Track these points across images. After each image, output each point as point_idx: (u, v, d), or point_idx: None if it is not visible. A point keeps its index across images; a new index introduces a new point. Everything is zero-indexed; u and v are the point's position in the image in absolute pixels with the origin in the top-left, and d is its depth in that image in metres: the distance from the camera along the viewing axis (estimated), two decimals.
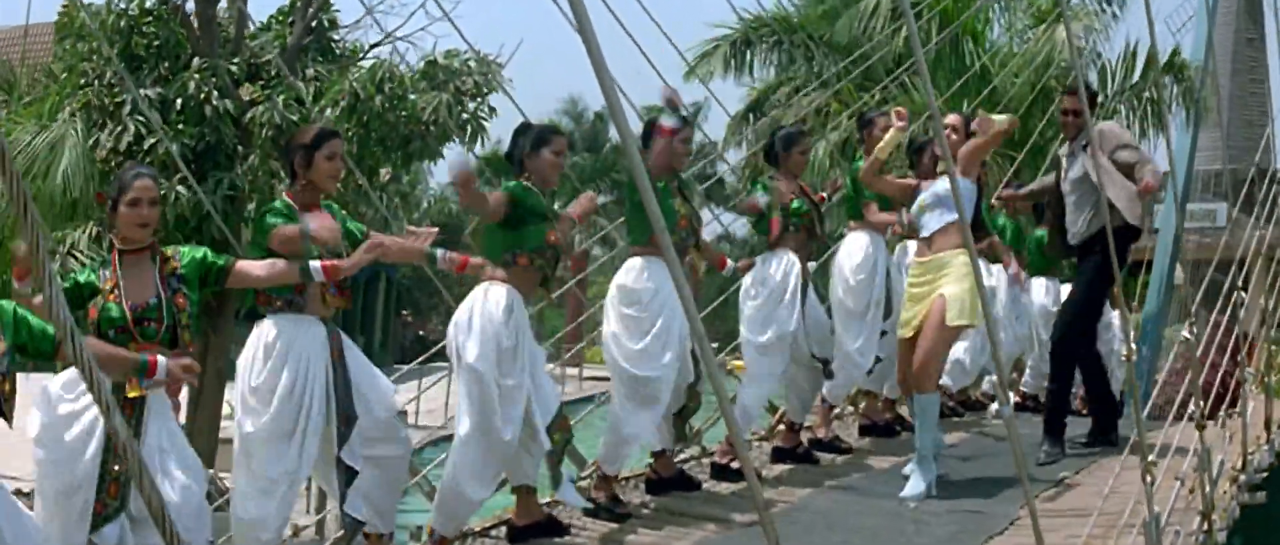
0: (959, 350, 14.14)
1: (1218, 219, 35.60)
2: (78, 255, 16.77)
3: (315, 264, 7.74)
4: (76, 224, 15.99)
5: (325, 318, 8.11)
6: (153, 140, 17.47)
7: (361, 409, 8.14)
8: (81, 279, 7.36)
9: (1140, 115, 26.94)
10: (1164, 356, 26.83)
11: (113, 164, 17.26)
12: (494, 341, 8.60)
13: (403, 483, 8.89)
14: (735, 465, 11.39)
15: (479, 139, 18.98)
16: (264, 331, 8.04)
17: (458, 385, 8.90)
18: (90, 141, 16.92)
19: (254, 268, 7.77)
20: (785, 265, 11.43)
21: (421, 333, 63.43)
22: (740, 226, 24.92)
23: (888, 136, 10.58)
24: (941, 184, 10.41)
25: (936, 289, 10.31)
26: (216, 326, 18.65)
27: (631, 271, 10.05)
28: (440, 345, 9.67)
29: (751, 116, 32.04)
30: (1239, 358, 13.16)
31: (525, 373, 8.74)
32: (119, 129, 17.52)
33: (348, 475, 8.05)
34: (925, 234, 10.57)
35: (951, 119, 10.97)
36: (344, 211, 8.62)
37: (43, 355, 6.94)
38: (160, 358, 7.13)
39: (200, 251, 7.69)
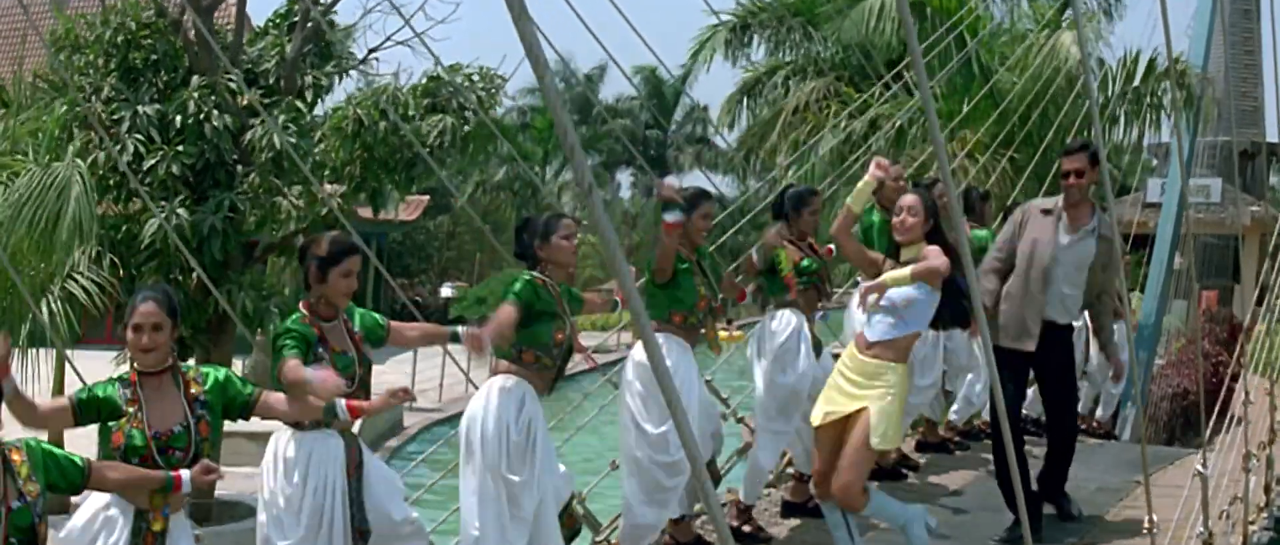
0: (966, 385, 14.36)
1: (1212, 194, 35.63)
2: (78, 277, 16.61)
3: (341, 403, 7.60)
4: (87, 239, 15.83)
5: (344, 430, 8.08)
6: (152, 159, 17.28)
7: (375, 519, 8.17)
8: (100, 393, 7.19)
9: (1140, 118, 26.93)
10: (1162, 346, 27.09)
11: (111, 182, 17.14)
12: (504, 439, 8.59)
13: None
14: (747, 529, 11.37)
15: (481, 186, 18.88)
16: (282, 446, 8.01)
17: (467, 481, 8.87)
18: (89, 159, 16.72)
19: (280, 404, 7.62)
20: (792, 322, 11.36)
21: (417, 299, 63.52)
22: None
23: (860, 185, 9.87)
24: (899, 292, 9.40)
25: (864, 397, 9.41)
26: (217, 342, 18.51)
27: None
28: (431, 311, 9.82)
29: (745, 99, 32.12)
30: (1235, 349, 13.01)
31: (536, 469, 8.68)
32: (118, 147, 17.34)
33: None
34: (871, 336, 9.53)
35: (908, 200, 9.77)
36: (360, 309, 8.52)
37: (73, 488, 6.91)
38: (183, 472, 7.03)
39: (221, 374, 7.55)
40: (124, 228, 17.76)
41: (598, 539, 11.00)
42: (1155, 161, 35.71)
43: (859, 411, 9.39)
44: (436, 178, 20.31)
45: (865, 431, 9.30)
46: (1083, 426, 18.23)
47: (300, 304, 8.22)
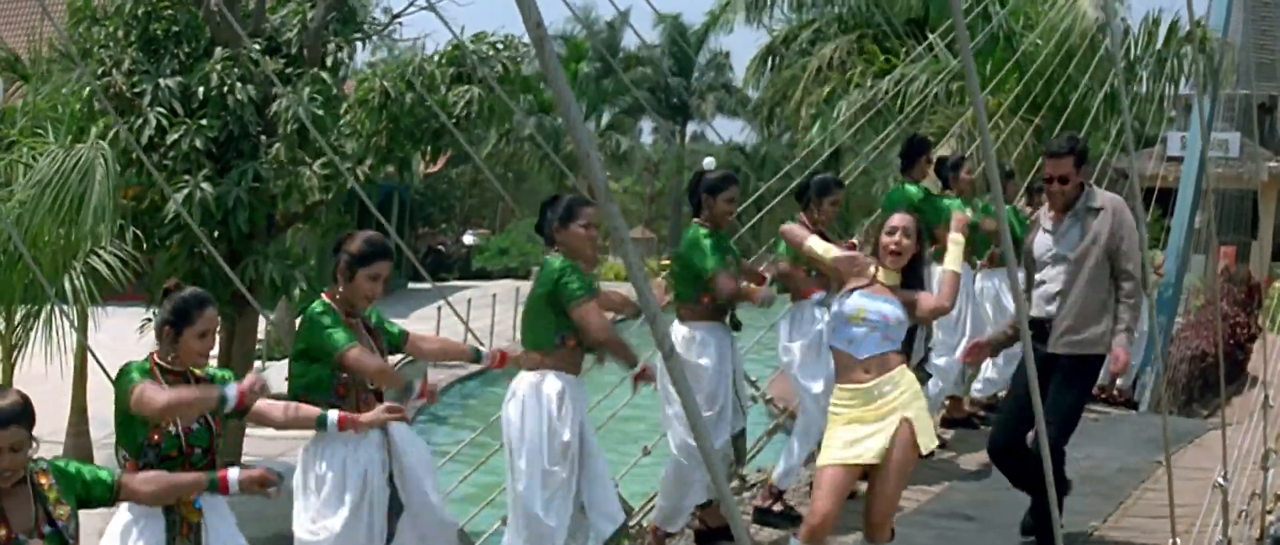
0: (989, 367, 14.38)
1: (1231, 149, 35.46)
2: (100, 252, 16.64)
3: (332, 416, 7.65)
4: (113, 220, 15.84)
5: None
6: (175, 133, 17.30)
7: (411, 496, 8.16)
8: (135, 377, 7.06)
9: (1160, 82, 26.82)
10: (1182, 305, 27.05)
11: (133, 156, 17.11)
12: (548, 438, 8.61)
13: None
14: (777, 508, 11.40)
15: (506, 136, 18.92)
16: (314, 456, 7.95)
17: (508, 476, 8.93)
18: (110, 133, 16.71)
19: (273, 411, 7.65)
20: (818, 314, 11.33)
21: (440, 246, 63.55)
22: None
23: (820, 251, 9.18)
24: (886, 305, 8.50)
25: (892, 409, 8.40)
26: (242, 313, 18.59)
27: (685, 345, 10.01)
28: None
29: (769, 59, 32.15)
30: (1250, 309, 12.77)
31: (575, 464, 8.72)
32: (139, 120, 17.35)
33: None
34: (864, 353, 8.44)
35: (902, 220, 8.72)
36: (378, 313, 8.51)
37: (103, 503, 6.85)
38: (230, 473, 7.02)
39: (222, 374, 7.54)
40: (147, 199, 17.76)
41: (630, 523, 11.04)
42: (1174, 113, 35.55)
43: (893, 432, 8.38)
44: (468, 138, 20.29)
45: (910, 444, 8.37)
46: (1101, 396, 18.24)
47: (324, 294, 8.14)
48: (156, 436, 7.05)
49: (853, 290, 8.56)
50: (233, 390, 7.30)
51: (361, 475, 7.90)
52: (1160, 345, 17.66)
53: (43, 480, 6.59)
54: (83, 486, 6.71)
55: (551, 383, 8.70)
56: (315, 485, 7.93)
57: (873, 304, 8.46)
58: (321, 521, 7.93)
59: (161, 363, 7.36)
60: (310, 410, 7.67)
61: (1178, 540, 8.03)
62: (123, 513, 7.13)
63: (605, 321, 8.74)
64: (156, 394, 7.09)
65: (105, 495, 6.79)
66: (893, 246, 8.53)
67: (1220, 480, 8.46)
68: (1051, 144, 10.00)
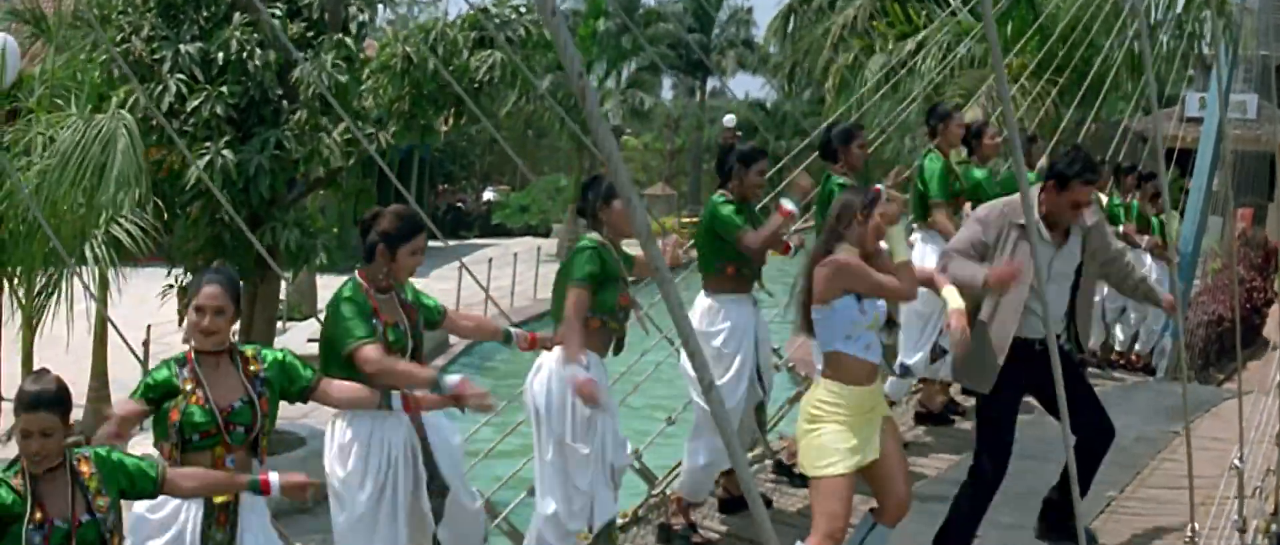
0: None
1: (1248, 111, 35.31)
2: (121, 220, 16.67)
3: (396, 397, 7.68)
4: (137, 190, 15.84)
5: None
6: (195, 100, 17.32)
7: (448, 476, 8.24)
8: (159, 378, 7.13)
9: (1181, 48, 26.75)
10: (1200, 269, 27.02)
11: (153, 123, 17.11)
12: (572, 412, 8.74)
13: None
14: (799, 469, 11.52)
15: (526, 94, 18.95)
16: (340, 432, 8.01)
17: (536, 447, 9.07)
18: (129, 100, 16.72)
19: (336, 391, 7.61)
20: None
21: (459, 204, 63.55)
22: None
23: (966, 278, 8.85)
24: (880, 303, 8.11)
25: (879, 413, 8.20)
26: (264, 279, 18.64)
27: (706, 315, 10.08)
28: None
29: (792, 15, 32.10)
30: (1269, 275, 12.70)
31: (601, 435, 8.86)
32: (159, 87, 17.35)
33: None
34: (875, 361, 8.11)
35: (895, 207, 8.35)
36: (413, 287, 8.51)
37: (146, 495, 6.89)
38: (272, 477, 6.99)
39: (282, 355, 7.51)
40: (166, 165, 17.79)
41: (653, 492, 11.12)
42: (1193, 73, 35.37)
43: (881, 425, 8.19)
44: (489, 104, 20.31)
45: (896, 431, 8.49)
46: (1120, 361, 18.27)
47: (357, 273, 8.11)
48: (176, 416, 7.04)
49: (857, 294, 7.99)
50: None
51: (383, 465, 7.93)
52: (1179, 311, 17.58)
53: (84, 468, 6.63)
54: (127, 479, 6.74)
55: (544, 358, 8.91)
56: (340, 456, 8.00)
57: (876, 305, 8.10)
58: (341, 510, 8.01)
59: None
60: (374, 392, 7.67)
61: (1196, 525, 8.06)
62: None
63: (579, 310, 8.74)
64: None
65: (149, 488, 6.81)
66: (885, 218, 8.13)
67: (1237, 462, 8.48)
68: (1080, 166, 9.00)
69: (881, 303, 8.09)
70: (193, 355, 7.19)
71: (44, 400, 6.45)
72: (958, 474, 10.04)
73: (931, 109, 13.55)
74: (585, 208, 9.09)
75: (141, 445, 7.72)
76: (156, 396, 7.10)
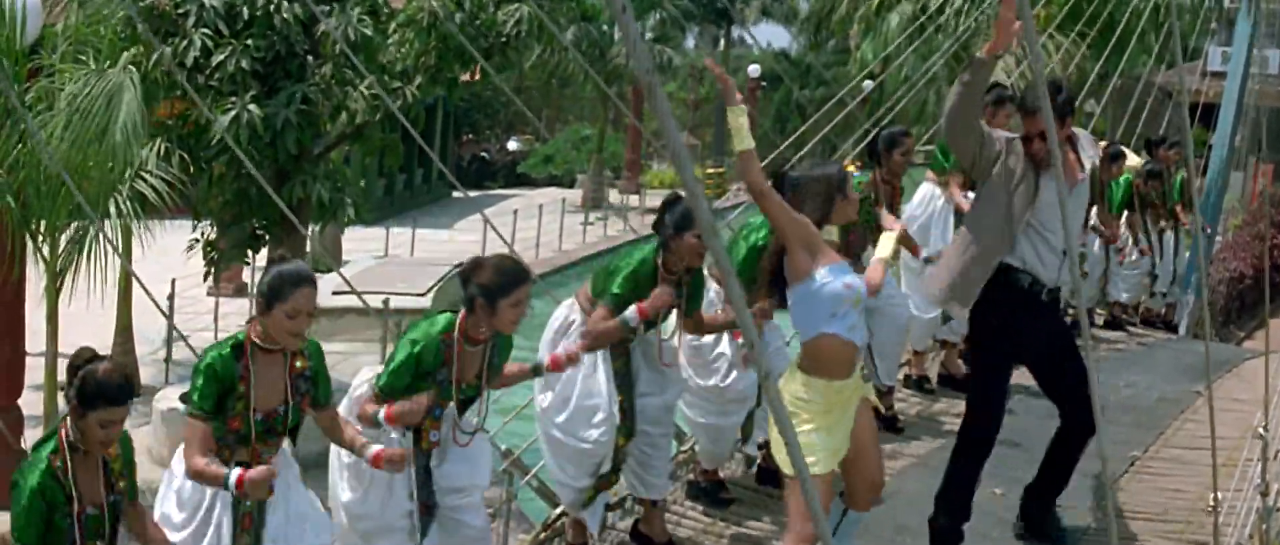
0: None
1: (1270, 66, 35.17)
2: (146, 175, 16.70)
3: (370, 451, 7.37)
4: (142, 142, 15.83)
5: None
6: (221, 54, 17.35)
7: (445, 494, 8.00)
8: (219, 371, 6.90)
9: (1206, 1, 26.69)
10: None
11: (174, 79, 16.99)
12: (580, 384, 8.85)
13: None
14: None
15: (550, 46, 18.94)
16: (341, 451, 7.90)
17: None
18: (154, 57, 16.74)
19: (338, 430, 7.47)
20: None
21: (483, 154, 63.68)
22: None
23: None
24: (860, 280, 7.56)
25: (857, 392, 7.61)
26: (289, 232, 18.67)
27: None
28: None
29: None
30: None
31: (571, 389, 8.88)
32: (184, 42, 17.38)
33: None
34: (859, 343, 7.45)
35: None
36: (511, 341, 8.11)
37: None
38: (246, 474, 6.77)
39: (322, 365, 7.32)
40: (192, 119, 17.83)
41: (681, 448, 11.11)
42: (1215, 26, 35.23)
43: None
44: (515, 56, 20.27)
45: (870, 411, 7.83)
46: (1128, 318, 18.18)
47: (458, 317, 7.65)
48: (237, 424, 6.95)
49: (835, 266, 7.33)
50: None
51: (382, 479, 7.72)
52: (1203, 267, 17.60)
53: (111, 450, 6.69)
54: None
55: (567, 313, 9.03)
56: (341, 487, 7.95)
57: (859, 282, 7.48)
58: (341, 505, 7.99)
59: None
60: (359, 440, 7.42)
61: (1218, 494, 8.08)
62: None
63: (595, 325, 8.69)
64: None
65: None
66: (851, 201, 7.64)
67: (1262, 430, 8.51)
68: (1015, 96, 9.22)
69: (860, 281, 7.47)
70: (250, 347, 6.98)
71: (127, 393, 6.52)
72: None
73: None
74: (660, 225, 8.87)
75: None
76: (219, 395, 6.92)
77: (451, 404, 7.73)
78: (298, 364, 7.13)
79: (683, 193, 9.03)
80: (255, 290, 7.24)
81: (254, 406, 6.95)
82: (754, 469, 10.94)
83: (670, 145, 2.72)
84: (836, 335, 7.25)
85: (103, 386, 6.42)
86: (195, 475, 6.92)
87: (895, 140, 11.63)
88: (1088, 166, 8.80)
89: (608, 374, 8.89)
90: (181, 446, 7.13)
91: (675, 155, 2.69)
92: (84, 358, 6.55)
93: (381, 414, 7.49)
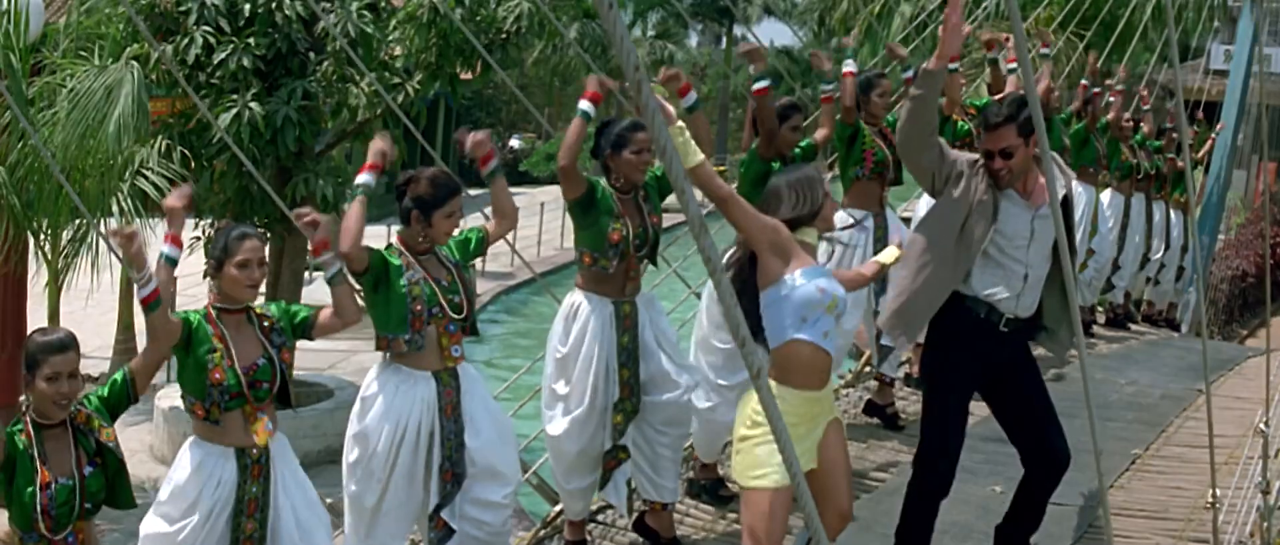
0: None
1: (1274, 64, 35.15)
2: (147, 173, 16.71)
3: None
4: (142, 140, 15.85)
5: (440, 371, 7.86)
6: (222, 52, 17.34)
7: (476, 463, 7.98)
8: (194, 321, 7.05)
9: None
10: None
11: (175, 78, 16.93)
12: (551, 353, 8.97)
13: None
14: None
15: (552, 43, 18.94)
16: (367, 383, 7.95)
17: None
18: (155, 55, 16.72)
19: (324, 312, 7.53)
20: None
21: None
22: None
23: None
24: (841, 287, 7.14)
25: (828, 412, 7.20)
26: (291, 229, 18.67)
27: None
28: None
29: None
30: None
31: (587, 378, 8.83)
32: (185, 40, 17.38)
33: (443, 533, 7.98)
34: (834, 352, 7.18)
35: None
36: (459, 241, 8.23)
37: (132, 400, 7.01)
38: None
39: (280, 303, 7.54)
40: (194, 118, 17.82)
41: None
42: (1218, 25, 35.25)
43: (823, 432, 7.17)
44: (516, 53, 20.26)
45: (841, 437, 7.30)
46: (1128, 311, 18.11)
47: (395, 236, 7.95)
48: (218, 375, 7.02)
49: (808, 270, 6.98)
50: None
51: (400, 430, 7.78)
52: (1202, 267, 17.58)
53: (80, 419, 6.80)
54: (109, 399, 6.94)
55: (571, 299, 9.02)
56: (354, 423, 7.94)
57: (836, 288, 7.05)
58: (352, 475, 7.96)
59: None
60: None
61: (1217, 491, 8.07)
62: (192, 449, 7.20)
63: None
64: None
65: (126, 391, 6.97)
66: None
67: (1263, 426, 8.49)
68: (989, 113, 7.86)
69: (841, 287, 7.07)
70: (215, 313, 7.15)
71: (68, 342, 6.66)
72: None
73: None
74: (598, 150, 8.94)
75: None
76: (188, 333, 7.02)
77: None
78: (265, 323, 7.26)
79: (615, 116, 9.24)
80: (206, 257, 7.46)
81: (238, 362, 7.06)
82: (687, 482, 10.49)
83: (656, 141, 2.70)
84: (807, 341, 6.92)
85: (41, 345, 6.62)
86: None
87: (871, 82, 11.50)
88: (1062, 192, 7.84)
89: (608, 356, 8.86)
90: (187, 439, 7.27)
91: (663, 151, 2.69)
92: (38, 330, 6.85)
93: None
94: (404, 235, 7.91)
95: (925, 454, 8.07)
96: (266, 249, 16.60)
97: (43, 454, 6.63)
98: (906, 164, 8.11)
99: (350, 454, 7.94)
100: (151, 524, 7.16)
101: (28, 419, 6.68)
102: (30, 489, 6.57)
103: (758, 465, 6.89)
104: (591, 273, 8.87)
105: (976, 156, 7.82)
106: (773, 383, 6.93)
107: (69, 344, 6.64)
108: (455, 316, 7.86)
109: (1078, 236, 14.36)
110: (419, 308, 7.71)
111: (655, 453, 9.08)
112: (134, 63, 15.47)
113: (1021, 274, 7.79)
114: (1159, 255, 17.70)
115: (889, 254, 7.99)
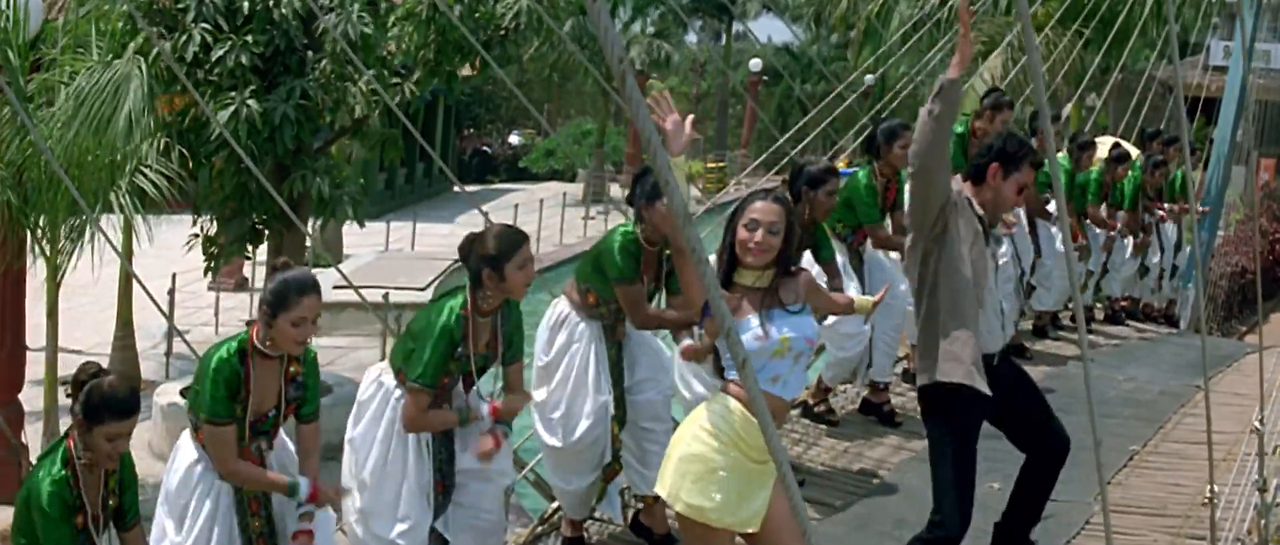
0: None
1: (1272, 60, 35.13)
2: (146, 170, 16.66)
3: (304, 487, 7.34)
4: (148, 134, 15.80)
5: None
6: (220, 50, 17.31)
7: (465, 474, 7.97)
8: (227, 374, 6.89)
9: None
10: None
11: (174, 74, 16.78)
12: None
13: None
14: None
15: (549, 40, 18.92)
16: (364, 387, 7.89)
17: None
18: (152, 53, 16.65)
19: (304, 440, 7.47)
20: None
21: (484, 148, 63.69)
22: None
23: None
24: (806, 325, 6.52)
25: (772, 475, 6.42)
26: (289, 227, 18.66)
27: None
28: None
29: None
30: None
31: (565, 387, 8.87)
32: (184, 37, 17.34)
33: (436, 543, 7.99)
34: (789, 397, 6.61)
35: (770, 213, 6.43)
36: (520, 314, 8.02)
37: None
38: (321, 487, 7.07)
39: (315, 377, 7.30)
40: (191, 115, 17.78)
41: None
42: (1217, 20, 35.22)
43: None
44: (514, 49, 20.25)
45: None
46: (1125, 309, 18.11)
47: (466, 292, 7.54)
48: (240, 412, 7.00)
49: (742, 322, 6.39)
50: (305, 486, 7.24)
51: (393, 447, 7.72)
52: (1200, 264, 17.59)
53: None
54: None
55: (558, 309, 9.06)
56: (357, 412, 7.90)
57: (795, 328, 6.47)
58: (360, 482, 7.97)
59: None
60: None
61: (1214, 487, 8.07)
62: (185, 456, 7.16)
63: (643, 306, 8.70)
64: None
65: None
66: (755, 245, 6.42)
67: (1258, 424, 8.49)
68: (1007, 146, 7.66)
69: (806, 326, 6.50)
70: (252, 352, 6.97)
71: (134, 405, 6.54)
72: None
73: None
74: (634, 197, 8.79)
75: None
76: (229, 387, 6.91)
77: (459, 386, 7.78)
78: (292, 369, 7.11)
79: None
80: (259, 298, 7.10)
81: (249, 410, 6.97)
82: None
83: (643, 135, 2.70)
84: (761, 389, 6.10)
85: (109, 400, 6.42)
86: (237, 478, 7.05)
87: (895, 133, 11.41)
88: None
89: (600, 361, 8.88)
90: (182, 434, 7.27)
91: (650, 145, 2.70)
92: (89, 372, 6.52)
93: (486, 410, 7.71)
94: (476, 296, 7.56)
95: (944, 504, 7.60)
96: (278, 255, 16.63)
97: (84, 491, 6.58)
98: (919, 191, 7.40)
99: (345, 457, 7.95)
100: (158, 529, 7.17)
101: (74, 456, 6.57)
102: (70, 529, 6.52)
103: (694, 488, 6.31)
104: (590, 308, 8.92)
105: (959, 190, 7.56)
106: (725, 398, 6.42)
107: (133, 407, 6.53)
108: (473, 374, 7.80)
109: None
110: (447, 381, 7.61)
111: (643, 448, 9.09)
112: (139, 57, 15.40)
113: (997, 307, 7.80)
114: (1156, 259, 17.71)
115: (867, 300, 7.94)
